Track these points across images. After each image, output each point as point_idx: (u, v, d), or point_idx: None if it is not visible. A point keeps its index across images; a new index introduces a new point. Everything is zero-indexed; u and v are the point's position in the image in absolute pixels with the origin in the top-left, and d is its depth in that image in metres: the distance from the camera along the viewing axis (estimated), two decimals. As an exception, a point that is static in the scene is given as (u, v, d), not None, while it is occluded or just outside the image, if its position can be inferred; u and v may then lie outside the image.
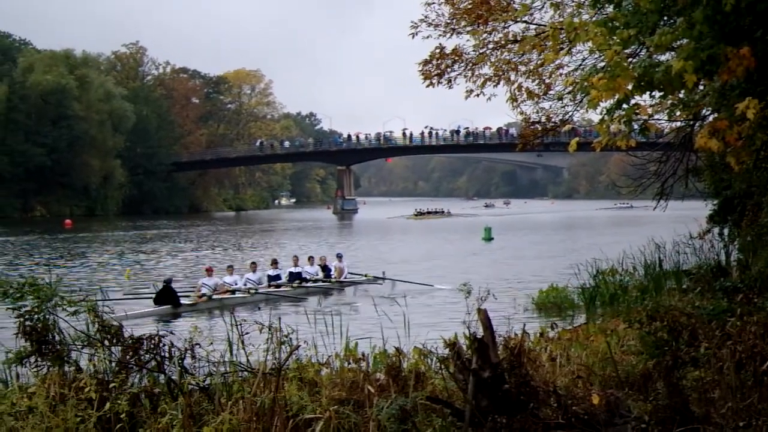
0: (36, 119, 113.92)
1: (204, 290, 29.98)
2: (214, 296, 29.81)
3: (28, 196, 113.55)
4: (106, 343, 9.18)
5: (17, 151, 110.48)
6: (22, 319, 9.13)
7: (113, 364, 9.14)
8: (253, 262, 33.68)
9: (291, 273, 33.51)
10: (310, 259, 35.21)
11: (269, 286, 32.20)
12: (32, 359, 9.22)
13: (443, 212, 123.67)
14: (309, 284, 33.47)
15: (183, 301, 28.89)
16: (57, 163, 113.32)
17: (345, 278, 34.93)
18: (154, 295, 28.40)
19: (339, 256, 36.19)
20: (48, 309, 9.17)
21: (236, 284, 31.23)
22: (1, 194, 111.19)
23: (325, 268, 34.89)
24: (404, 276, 34.70)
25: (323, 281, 34.26)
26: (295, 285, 32.87)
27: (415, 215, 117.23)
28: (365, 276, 35.40)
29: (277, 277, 33.02)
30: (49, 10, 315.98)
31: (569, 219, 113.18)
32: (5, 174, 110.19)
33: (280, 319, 9.36)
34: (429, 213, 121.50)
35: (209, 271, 31.64)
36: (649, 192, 20.84)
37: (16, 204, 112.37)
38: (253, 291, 31.14)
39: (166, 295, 28.32)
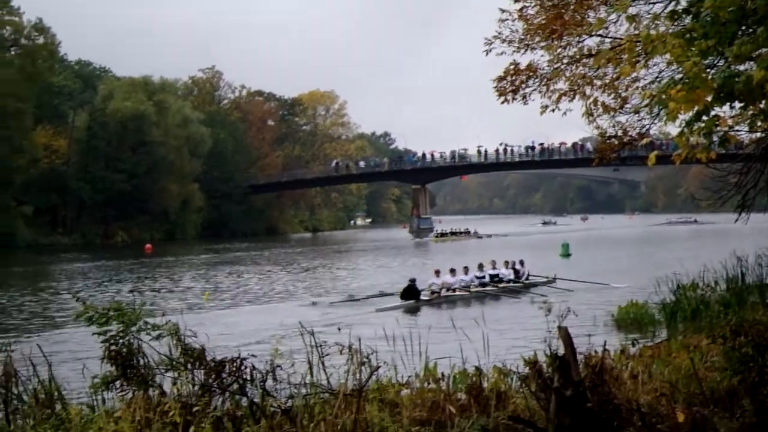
0: (116, 146, 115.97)
1: (434, 288, 36.34)
2: (443, 294, 36.08)
3: (109, 221, 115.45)
4: (189, 366, 9.24)
5: (98, 178, 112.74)
6: (107, 344, 9.22)
7: (196, 388, 9.18)
8: (466, 267, 38.79)
9: (490, 275, 39.29)
10: (506, 263, 41.00)
11: (478, 285, 38.11)
12: (118, 384, 9.29)
13: (468, 233, 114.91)
14: (505, 284, 39.11)
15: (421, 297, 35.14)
16: (136, 189, 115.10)
17: (528, 279, 40.97)
18: (400, 292, 34.96)
19: (521, 262, 41.97)
20: (132, 333, 9.26)
21: (455, 284, 37.08)
22: (83, 221, 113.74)
23: (515, 271, 40.74)
24: (577, 277, 39.78)
25: (515, 281, 39.88)
26: (504, 284, 38.88)
27: (436, 237, 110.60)
28: (546, 278, 41.03)
29: (483, 277, 38.80)
30: (128, 38, 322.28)
31: (646, 234, 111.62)
32: (87, 201, 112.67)
33: (360, 340, 9.36)
34: (452, 234, 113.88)
35: (437, 273, 37.34)
36: (729, 205, 20.48)
37: (98, 230, 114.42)
38: (473, 290, 37.45)
39: (410, 292, 34.76)
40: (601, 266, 46.32)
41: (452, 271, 37.76)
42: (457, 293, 36.70)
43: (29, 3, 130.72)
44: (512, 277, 40.07)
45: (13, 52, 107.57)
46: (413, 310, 33.48)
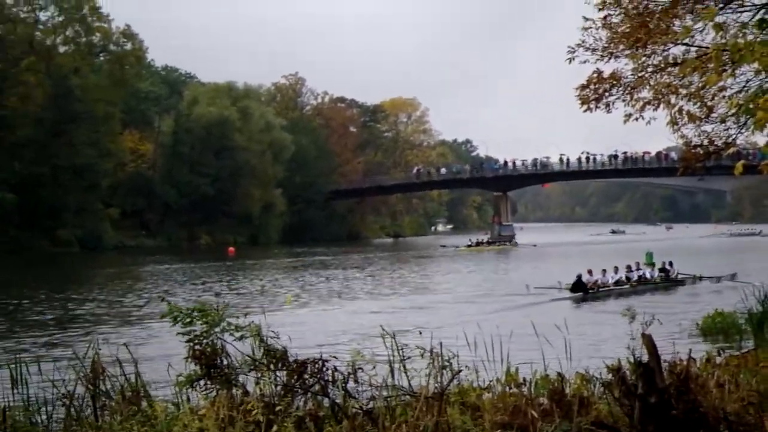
0: (200, 150, 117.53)
1: (589, 285, 41.34)
2: (601, 289, 41.84)
3: (193, 225, 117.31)
4: (272, 367, 9.36)
5: (182, 182, 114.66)
6: (192, 344, 9.40)
7: (279, 388, 9.30)
8: (615, 266, 44.71)
9: (639, 275, 45.03)
10: (652, 265, 48.87)
11: (627, 282, 43.92)
12: (202, 382, 9.46)
13: (505, 243, 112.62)
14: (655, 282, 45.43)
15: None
16: (220, 193, 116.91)
17: (677, 277, 47.01)
18: (570, 286, 40.65)
19: (671, 263, 48.00)
20: (216, 333, 9.43)
21: (608, 281, 43.09)
22: (168, 224, 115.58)
23: (664, 270, 47.19)
24: (714, 274, 46.54)
25: (665, 279, 46.05)
26: (657, 280, 45.39)
27: (468, 247, 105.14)
28: (693, 276, 46.90)
29: (631, 276, 44.51)
30: (213, 44, 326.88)
31: (731, 244, 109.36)
32: (172, 204, 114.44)
33: (441, 344, 9.42)
34: (488, 243, 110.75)
35: (590, 272, 42.56)
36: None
37: (183, 233, 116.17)
38: (629, 286, 43.55)
39: (579, 286, 40.72)
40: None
41: (603, 271, 43.49)
42: (614, 288, 42.75)
43: (118, 9, 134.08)
44: (657, 275, 45.90)
45: (102, 58, 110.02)
46: (580, 301, 39.60)
